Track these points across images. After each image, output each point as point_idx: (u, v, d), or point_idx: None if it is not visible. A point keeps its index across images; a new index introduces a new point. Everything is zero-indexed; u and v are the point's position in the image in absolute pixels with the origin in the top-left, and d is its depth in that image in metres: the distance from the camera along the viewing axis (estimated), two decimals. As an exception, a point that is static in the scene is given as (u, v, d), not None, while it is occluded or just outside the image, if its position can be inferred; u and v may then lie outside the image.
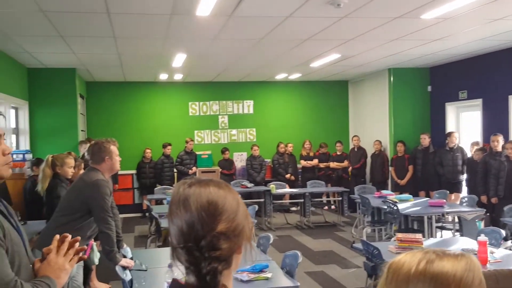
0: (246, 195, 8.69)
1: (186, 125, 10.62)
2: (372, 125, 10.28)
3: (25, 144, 7.80)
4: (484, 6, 4.90)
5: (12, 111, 7.54)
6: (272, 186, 8.48)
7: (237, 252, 1.04)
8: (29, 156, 6.92)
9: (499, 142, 6.72)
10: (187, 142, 9.72)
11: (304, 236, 7.80)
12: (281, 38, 6.26)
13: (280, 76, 10.19)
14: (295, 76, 10.14)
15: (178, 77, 9.77)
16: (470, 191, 7.38)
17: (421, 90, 9.57)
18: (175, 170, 9.72)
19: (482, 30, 6.08)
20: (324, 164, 10.10)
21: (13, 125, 7.57)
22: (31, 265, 1.49)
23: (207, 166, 10.09)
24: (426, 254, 0.93)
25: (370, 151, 9.74)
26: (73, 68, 8.31)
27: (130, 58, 7.59)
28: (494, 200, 6.61)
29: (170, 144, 9.73)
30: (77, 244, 1.56)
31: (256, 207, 5.97)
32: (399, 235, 4.04)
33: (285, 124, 10.99)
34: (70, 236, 1.54)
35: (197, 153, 10.03)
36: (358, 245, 4.20)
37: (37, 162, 6.22)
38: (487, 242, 3.48)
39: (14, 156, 6.62)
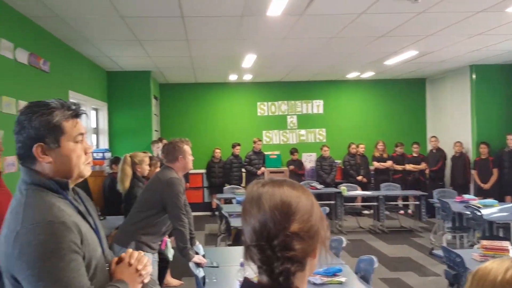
0: (316, 197, 8.49)
1: (254, 125, 10.69)
2: (452, 125, 9.70)
3: (104, 143, 8.26)
4: None
5: (93, 112, 8.00)
6: (343, 188, 8.27)
7: (312, 256, 1.01)
8: (108, 155, 7.31)
9: None
10: (254, 142, 9.77)
11: (378, 241, 7.50)
12: (354, 36, 6.08)
13: (351, 75, 9.93)
14: (368, 74, 9.83)
15: (247, 77, 9.85)
16: None
17: (506, 88, 8.87)
18: (243, 170, 9.81)
19: None
20: (400, 166, 9.67)
21: (93, 125, 8.03)
22: (107, 264, 1.50)
23: (275, 167, 10.08)
24: None
25: (449, 153, 9.19)
26: (148, 71, 8.66)
27: (202, 60, 7.76)
28: None
29: (239, 144, 9.84)
30: (150, 262, 1.59)
31: (327, 209, 5.83)
32: (484, 242, 3.74)
33: (356, 124, 10.70)
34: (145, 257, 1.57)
35: (266, 153, 10.05)
36: (438, 252, 3.95)
37: (115, 161, 6.54)
38: None
39: (95, 154, 7.02)
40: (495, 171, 8.25)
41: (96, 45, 6.40)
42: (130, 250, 1.56)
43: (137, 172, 4.68)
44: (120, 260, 1.52)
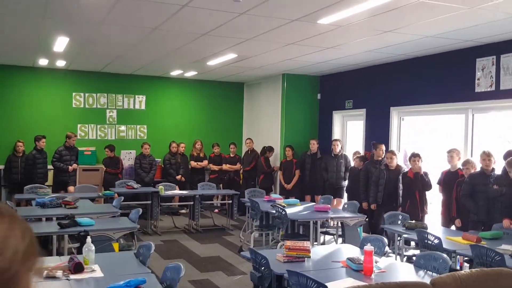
0: (132, 197, 8.12)
1: (68, 118, 9.68)
2: (265, 129, 10.34)
3: None
4: (376, 17, 5.04)
5: None
6: (160, 187, 8.02)
7: None
8: None
9: (383, 152, 7.09)
10: (70, 137, 8.72)
11: (192, 240, 7.46)
12: (177, 30, 5.90)
13: (175, 73, 9.77)
14: (191, 73, 9.80)
15: (60, 63, 8.84)
16: (349, 197, 7.65)
17: (311, 97, 9.83)
18: (49, 167, 8.73)
19: (371, 41, 6.30)
20: (217, 166, 9.88)
21: None
22: None
23: (90, 164, 9.29)
24: None
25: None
26: None
27: (2, 37, 6.62)
28: (373, 206, 6.94)
29: (44, 137, 8.66)
30: None
31: (140, 210, 5.49)
32: (288, 243, 3.93)
33: (178, 123, 10.59)
34: None
35: (80, 148, 9.15)
36: (246, 253, 4.00)
37: None
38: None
39: None
40: (297, 172, 9.02)
41: None
42: None
43: None
44: None
